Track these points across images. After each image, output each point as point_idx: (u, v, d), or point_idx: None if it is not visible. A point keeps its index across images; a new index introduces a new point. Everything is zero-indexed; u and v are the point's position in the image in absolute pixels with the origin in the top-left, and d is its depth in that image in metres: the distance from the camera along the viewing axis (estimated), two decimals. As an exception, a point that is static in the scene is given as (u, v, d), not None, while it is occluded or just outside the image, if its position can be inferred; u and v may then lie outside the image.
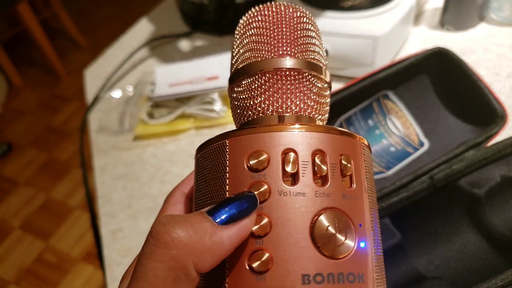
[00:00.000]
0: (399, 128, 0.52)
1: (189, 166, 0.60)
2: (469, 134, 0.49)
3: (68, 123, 2.08)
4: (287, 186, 0.20)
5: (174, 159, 0.63)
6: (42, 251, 1.59)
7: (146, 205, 0.58)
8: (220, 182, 0.21)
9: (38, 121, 2.12)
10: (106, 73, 0.79)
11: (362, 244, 0.21)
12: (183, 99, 0.66)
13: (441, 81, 0.52)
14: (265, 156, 0.21)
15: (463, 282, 0.42)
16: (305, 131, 0.21)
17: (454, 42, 0.66)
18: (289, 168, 0.20)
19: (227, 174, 0.21)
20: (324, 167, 0.21)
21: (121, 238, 0.55)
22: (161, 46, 0.83)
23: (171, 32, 0.85)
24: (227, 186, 0.21)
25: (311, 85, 0.24)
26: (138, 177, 0.62)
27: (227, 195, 0.21)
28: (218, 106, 0.64)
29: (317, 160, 0.21)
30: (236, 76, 0.25)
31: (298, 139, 0.21)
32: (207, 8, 0.79)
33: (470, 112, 0.49)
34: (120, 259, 0.53)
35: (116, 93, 0.74)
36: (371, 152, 0.24)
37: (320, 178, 0.21)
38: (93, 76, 0.82)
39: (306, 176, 0.20)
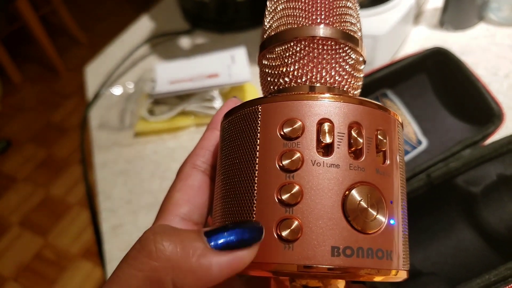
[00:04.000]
0: (398, 127, 0.53)
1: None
2: (466, 133, 0.49)
3: (67, 120, 2.08)
4: (321, 157, 0.20)
5: (174, 155, 0.63)
6: (41, 247, 1.60)
7: (146, 201, 0.58)
8: (250, 148, 0.21)
9: (38, 117, 2.12)
10: (106, 70, 0.80)
11: (392, 221, 0.20)
12: (183, 96, 0.66)
13: (439, 80, 0.52)
14: (299, 124, 0.20)
15: (458, 278, 0.42)
16: (342, 102, 0.20)
17: (453, 41, 0.67)
18: (324, 139, 0.20)
19: (258, 141, 0.21)
20: (360, 140, 0.20)
21: (122, 233, 0.56)
22: (162, 44, 0.84)
23: (172, 29, 0.85)
24: (258, 153, 0.20)
25: (347, 57, 0.23)
26: (139, 173, 0.62)
27: (257, 162, 0.20)
28: (218, 103, 0.65)
29: (353, 133, 0.20)
30: (268, 43, 0.24)
31: (335, 109, 0.20)
32: (208, 6, 0.79)
33: (468, 111, 0.50)
34: (121, 254, 0.54)
35: (117, 90, 0.74)
36: (403, 129, 0.24)
37: (354, 151, 0.20)
38: (94, 73, 0.82)
39: (341, 148, 0.20)
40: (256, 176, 0.20)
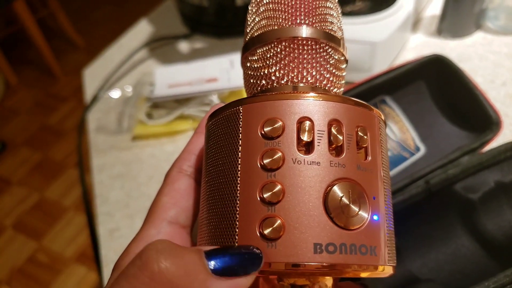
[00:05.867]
0: (396, 133, 0.53)
1: (187, 167, 0.60)
2: (464, 140, 0.50)
3: (63, 123, 2.08)
4: (302, 155, 0.20)
5: (172, 159, 0.62)
6: (34, 251, 1.59)
7: (143, 205, 0.58)
8: (232, 149, 0.21)
9: (33, 120, 2.11)
10: (105, 74, 0.79)
11: (375, 217, 0.20)
12: (182, 100, 0.66)
13: (437, 87, 0.52)
14: (280, 123, 0.20)
15: (456, 284, 0.42)
16: (322, 100, 0.21)
17: (451, 49, 0.67)
18: (304, 137, 0.20)
19: (240, 141, 0.21)
20: (340, 137, 0.20)
21: (118, 237, 0.56)
22: (160, 48, 0.84)
23: (171, 33, 0.86)
24: (240, 153, 0.21)
25: (328, 56, 0.24)
26: (136, 177, 0.62)
27: (239, 162, 0.20)
28: (216, 108, 0.65)
29: (333, 130, 0.20)
30: (251, 45, 0.24)
31: (314, 107, 0.20)
32: (207, 11, 0.79)
33: (466, 119, 0.50)
34: (117, 258, 0.53)
35: (115, 93, 0.74)
36: (386, 126, 0.24)
37: (335, 148, 0.21)
38: (92, 76, 0.82)
39: (321, 146, 0.20)
40: (238, 176, 0.20)
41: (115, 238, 0.56)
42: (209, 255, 0.18)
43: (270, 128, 0.20)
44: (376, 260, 0.20)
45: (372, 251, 0.20)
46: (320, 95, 0.21)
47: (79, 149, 0.68)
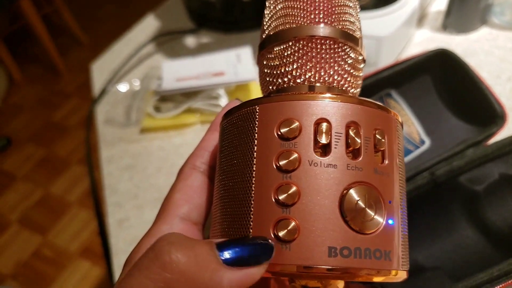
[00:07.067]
0: (401, 127, 0.53)
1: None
2: (469, 133, 0.50)
3: (67, 119, 2.09)
4: (318, 157, 0.20)
5: (180, 152, 0.64)
6: (39, 246, 1.60)
7: (152, 196, 0.59)
8: (248, 149, 0.21)
9: (38, 116, 2.12)
10: (112, 68, 0.80)
11: (390, 221, 0.20)
12: (189, 94, 0.67)
13: (443, 81, 0.53)
14: (297, 124, 0.20)
15: (460, 275, 0.43)
16: (340, 102, 0.20)
17: (456, 44, 0.68)
18: (321, 139, 0.20)
19: (256, 141, 0.20)
20: (358, 140, 0.20)
21: (128, 227, 0.56)
22: (167, 42, 0.85)
23: (177, 28, 0.86)
24: (255, 153, 0.20)
25: (346, 56, 0.23)
26: (145, 169, 0.63)
27: (254, 163, 0.20)
28: (224, 101, 0.65)
29: (351, 133, 0.20)
30: (267, 43, 0.24)
31: (332, 109, 0.20)
32: (214, 6, 0.80)
33: (471, 112, 0.50)
34: (126, 247, 0.54)
35: (123, 87, 0.75)
36: (403, 129, 0.24)
37: (352, 151, 0.20)
38: (100, 70, 0.83)
39: (338, 148, 0.20)
40: (253, 177, 0.20)
41: (124, 228, 0.57)
42: (220, 247, 0.19)
43: (287, 129, 0.20)
44: (390, 265, 0.20)
45: (386, 255, 0.20)
46: (338, 96, 0.21)
47: (87, 140, 0.69)
